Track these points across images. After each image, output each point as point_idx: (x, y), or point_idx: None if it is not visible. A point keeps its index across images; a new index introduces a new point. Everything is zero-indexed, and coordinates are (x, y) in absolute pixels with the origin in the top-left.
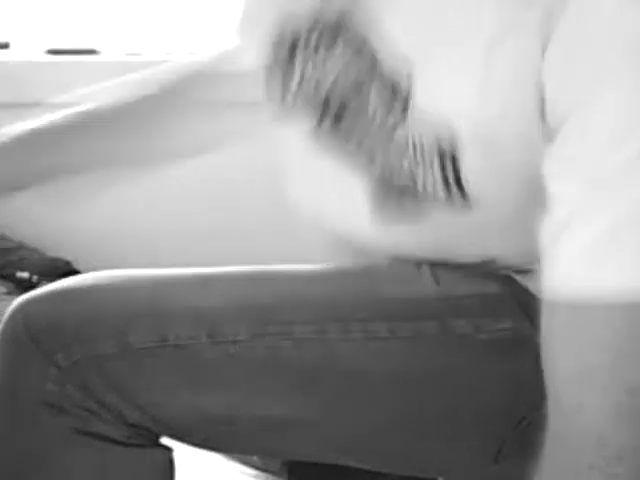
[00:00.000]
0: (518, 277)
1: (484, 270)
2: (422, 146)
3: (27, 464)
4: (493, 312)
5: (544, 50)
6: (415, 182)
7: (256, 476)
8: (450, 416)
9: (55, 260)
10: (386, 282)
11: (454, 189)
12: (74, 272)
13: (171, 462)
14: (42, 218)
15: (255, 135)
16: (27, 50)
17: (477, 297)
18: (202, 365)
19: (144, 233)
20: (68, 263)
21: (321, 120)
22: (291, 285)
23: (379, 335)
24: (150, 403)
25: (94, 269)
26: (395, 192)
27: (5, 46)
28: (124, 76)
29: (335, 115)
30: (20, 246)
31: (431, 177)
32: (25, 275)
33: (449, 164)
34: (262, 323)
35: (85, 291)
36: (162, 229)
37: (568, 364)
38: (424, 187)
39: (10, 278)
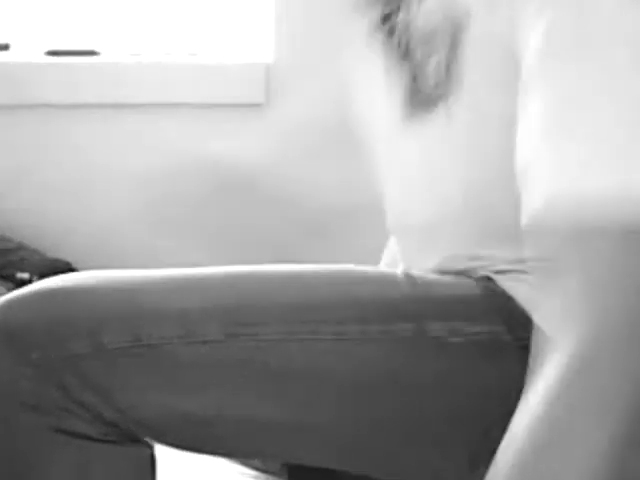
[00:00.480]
0: (498, 277)
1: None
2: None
3: (4, 463)
4: (468, 315)
5: None
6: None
7: (256, 477)
8: (424, 419)
9: (55, 261)
10: (360, 283)
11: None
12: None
13: (152, 459)
14: (42, 218)
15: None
16: (27, 51)
17: (452, 300)
18: (175, 365)
19: (144, 233)
20: (68, 264)
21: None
22: (265, 286)
23: (351, 337)
24: (125, 403)
25: (94, 269)
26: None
27: (5, 47)
28: (124, 77)
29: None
30: (20, 247)
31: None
32: (25, 276)
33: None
34: (234, 324)
35: (61, 291)
36: (162, 229)
37: None
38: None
39: (10, 279)
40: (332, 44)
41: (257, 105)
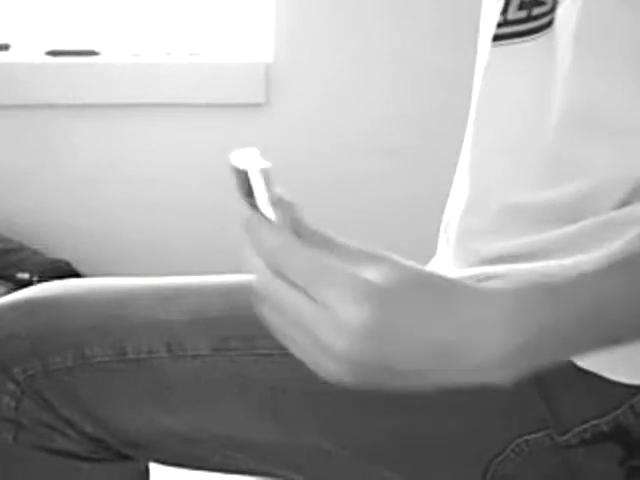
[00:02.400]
0: None
1: None
2: None
3: None
4: None
5: None
6: None
7: (256, 477)
8: (438, 438)
9: (55, 261)
10: None
11: None
12: (74, 273)
13: (146, 473)
14: (42, 218)
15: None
16: (27, 51)
17: None
18: (161, 381)
19: (144, 234)
20: (68, 264)
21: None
22: (253, 299)
23: None
24: (109, 418)
25: (94, 270)
26: None
27: (5, 47)
28: (124, 77)
29: None
30: (21, 247)
31: None
32: (25, 276)
33: None
34: (223, 338)
35: (45, 302)
36: (162, 229)
37: None
38: None
39: (10, 279)
40: (332, 44)
41: (257, 105)
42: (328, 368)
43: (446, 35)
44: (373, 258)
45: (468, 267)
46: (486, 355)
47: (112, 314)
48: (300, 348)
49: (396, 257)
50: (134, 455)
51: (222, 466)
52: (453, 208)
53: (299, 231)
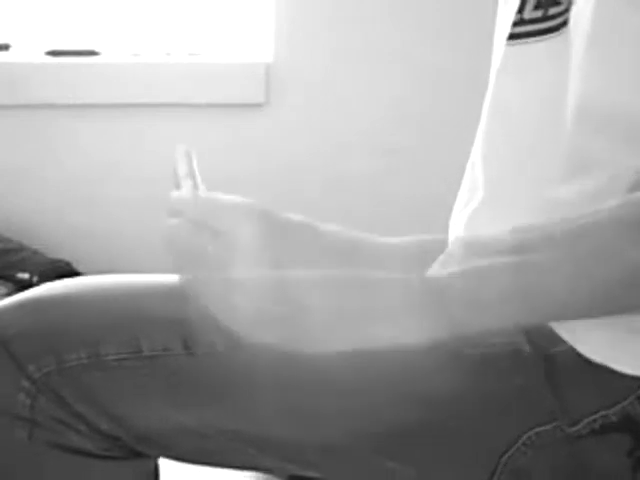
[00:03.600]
0: None
1: None
2: None
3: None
4: None
5: None
6: None
7: (256, 477)
8: (440, 434)
9: (56, 261)
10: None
11: None
12: (75, 273)
13: (155, 472)
14: (42, 219)
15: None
16: (27, 51)
17: None
18: (177, 377)
19: (144, 233)
20: (69, 264)
21: None
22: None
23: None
24: (124, 415)
25: (94, 270)
26: None
27: (5, 47)
28: (124, 77)
29: None
30: (21, 247)
31: None
32: (26, 276)
33: None
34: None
35: (57, 300)
36: (162, 229)
37: None
38: None
39: (11, 279)
40: (332, 44)
41: (257, 105)
42: (236, 310)
43: (446, 35)
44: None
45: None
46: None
47: (126, 311)
48: (208, 288)
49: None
50: (148, 452)
51: (237, 463)
52: (464, 203)
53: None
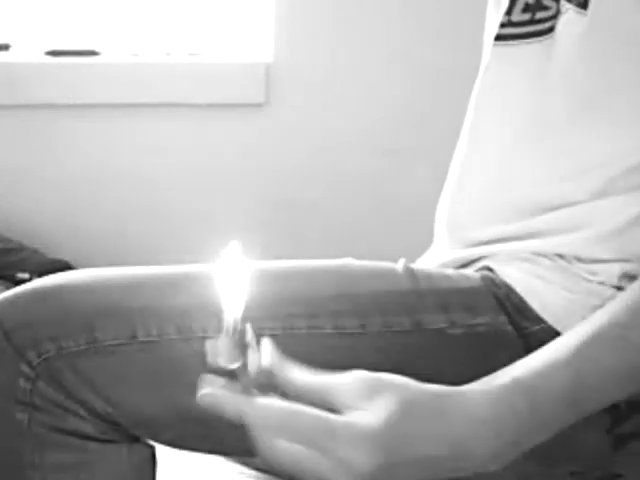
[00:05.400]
0: (498, 268)
1: None
2: None
3: (1, 462)
4: (469, 307)
5: None
6: None
7: (256, 477)
8: None
9: (55, 261)
10: (358, 277)
11: None
12: None
13: (152, 459)
14: (42, 218)
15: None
16: (27, 51)
17: (453, 292)
18: (172, 361)
19: (144, 233)
20: (68, 264)
21: None
22: (262, 281)
23: (350, 330)
24: (121, 399)
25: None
26: None
27: (5, 47)
28: (124, 77)
29: None
30: (21, 247)
31: None
32: (26, 276)
33: None
34: None
35: (57, 289)
36: (162, 229)
37: None
38: None
39: (10, 279)
40: (332, 44)
41: (257, 105)
42: None
43: (446, 35)
44: (367, 397)
45: (467, 249)
46: (477, 463)
47: (122, 298)
48: None
49: (387, 381)
50: (144, 436)
51: (234, 449)
52: (450, 198)
53: (288, 388)
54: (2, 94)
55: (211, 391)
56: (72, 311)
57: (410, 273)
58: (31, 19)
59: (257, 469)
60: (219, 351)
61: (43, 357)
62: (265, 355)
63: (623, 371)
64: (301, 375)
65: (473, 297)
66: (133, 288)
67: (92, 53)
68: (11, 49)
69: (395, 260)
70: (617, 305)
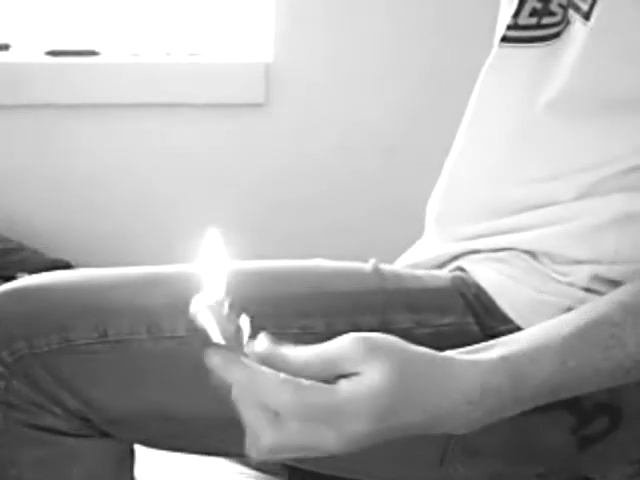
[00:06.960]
0: (470, 268)
1: None
2: None
3: None
4: (436, 307)
5: None
6: None
7: (255, 477)
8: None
9: (55, 261)
10: (326, 277)
11: None
12: None
13: (131, 453)
14: (42, 219)
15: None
16: (27, 51)
17: (421, 292)
18: (141, 361)
19: (144, 233)
20: (68, 264)
21: None
22: (232, 280)
23: (317, 330)
24: (92, 397)
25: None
26: None
27: (5, 47)
28: (124, 77)
29: None
30: (20, 247)
31: None
32: (26, 276)
33: None
34: None
35: (35, 288)
36: (162, 229)
37: None
38: None
39: (10, 279)
40: (331, 44)
41: (257, 105)
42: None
43: (446, 35)
44: (362, 361)
45: (451, 243)
46: (448, 430)
47: (95, 299)
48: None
49: (384, 341)
50: (117, 434)
51: (205, 448)
52: (441, 193)
53: (286, 366)
54: (2, 94)
55: (221, 351)
56: (45, 311)
57: (379, 273)
58: (31, 19)
59: (257, 469)
60: (209, 326)
61: (16, 356)
62: (259, 342)
63: (607, 369)
64: (295, 351)
65: (441, 297)
66: (106, 288)
67: (92, 53)
68: (11, 49)
69: (395, 260)
70: (613, 303)
